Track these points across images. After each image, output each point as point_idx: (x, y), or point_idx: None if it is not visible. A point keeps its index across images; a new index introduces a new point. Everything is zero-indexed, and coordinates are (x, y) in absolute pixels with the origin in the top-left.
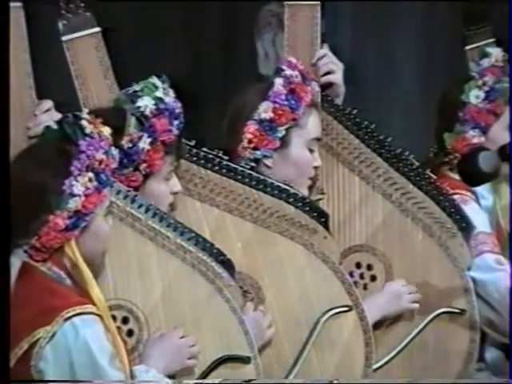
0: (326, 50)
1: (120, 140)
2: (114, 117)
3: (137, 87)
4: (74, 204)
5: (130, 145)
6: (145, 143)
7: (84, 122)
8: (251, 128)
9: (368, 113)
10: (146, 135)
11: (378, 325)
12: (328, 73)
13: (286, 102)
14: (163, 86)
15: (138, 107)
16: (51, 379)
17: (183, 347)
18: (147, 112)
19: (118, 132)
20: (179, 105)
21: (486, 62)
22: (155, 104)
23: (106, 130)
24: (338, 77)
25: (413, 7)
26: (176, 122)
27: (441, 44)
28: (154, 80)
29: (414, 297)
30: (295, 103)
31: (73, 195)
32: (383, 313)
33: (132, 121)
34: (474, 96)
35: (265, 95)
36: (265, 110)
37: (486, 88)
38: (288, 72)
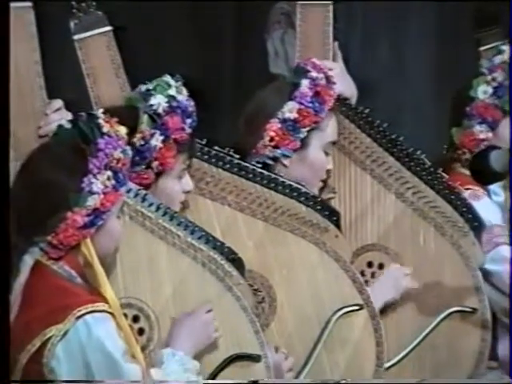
0: (331, 62)
1: (132, 138)
2: (127, 115)
3: (150, 85)
4: (92, 202)
5: (142, 142)
6: (157, 141)
7: (101, 121)
8: (274, 126)
9: (379, 112)
10: (158, 133)
11: (389, 323)
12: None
13: (310, 104)
14: (176, 84)
15: (151, 105)
16: (63, 377)
17: (209, 322)
18: (160, 110)
19: (131, 130)
20: (192, 103)
21: (497, 59)
22: (168, 102)
23: (122, 130)
24: (341, 86)
25: (425, 7)
26: (189, 121)
27: (452, 44)
28: (168, 78)
29: (409, 278)
30: (319, 106)
31: (92, 193)
32: (383, 300)
33: (145, 118)
34: (482, 91)
35: (288, 95)
36: (290, 110)
37: (495, 84)
38: (314, 74)
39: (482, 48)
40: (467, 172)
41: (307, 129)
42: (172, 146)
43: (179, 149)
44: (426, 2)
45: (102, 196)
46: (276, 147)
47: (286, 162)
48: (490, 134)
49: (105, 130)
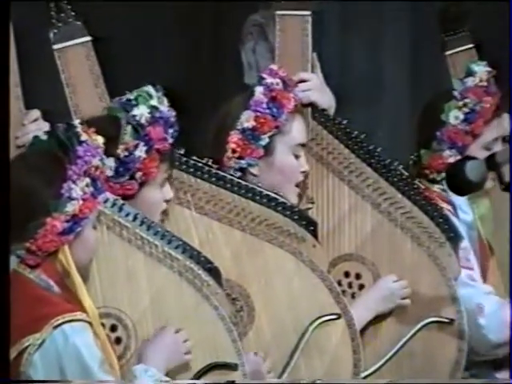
0: (308, 74)
1: (115, 148)
2: (109, 125)
3: (131, 96)
4: (71, 208)
5: (127, 153)
6: (141, 152)
7: (79, 130)
8: (234, 138)
9: (356, 119)
10: (142, 144)
11: (367, 332)
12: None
13: (267, 110)
14: (157, 94)
15: (134, 115)
16: None
17: (179, 342)
18: (143, 120)
19: (113, 140)
20: (173, 113)
21: (470, 81)
22: (150, 112)
23: (100, 139)
24: (318, 98)
25: (399, 14)
26: (171, 131)
27: (427, 54)
28: (149, 89)
29: (406, 292)
30: (277, 111)
31: (71, 199)
32: (377, 310)
33: (128, 129)
34: (454, 117)
35: (247, 104)
36: (247, 119)
37: (466, 110)
38: (269, 80)
39: (448, 53)
40: (434, 188)
41: (268, 135)
42: (155, 156)
43: (161, 158)
44: (400, 12)
45: (81, 202)
46: (240, 158)
47: (254, 171)
48: (459, 158)
49: (83, 138)
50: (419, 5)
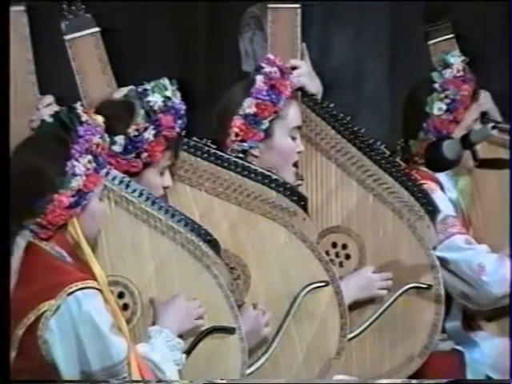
0: (299, 61)
1: (126, 128)
2: (123, 108)
3: (148, 86)
4: (76, 183)
5: (136, 133)
6: (150, 134)
7: (79, 112)
8: (237, 122)
9: (340, 103)
10: (151, 127)
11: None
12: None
13: (267, 97)
14: (172, 87)
15: (148, 101)
16: (56, 348)
17: (192, 308)
18: (156, 107)
19: (125, 122)
20: (184, 107)
21: (448, 73)
22: (164, 102)
23: (99, 118)
24: (308, 83)
25: (379, 5)
26: (179, 122)
27: (404, 39)
28: (165, 81)
29: (384, 284)
30: (276, 97)
31: (75, 175)
32: (354, 297)
33: (141, 112)
34: (437, 108)
35: (247, 92)
36: (249, 106)
37: (448, 100)
38: (267, 69)
39: (430, 42)
40: (422, 167)
41: (268, 119)
42: (162, 141)
43: (167, 145)
44: (379, 3)
45: (84, 177)
46: (243, 141)
47: (255, 152)
48: None
49: (83, 119)
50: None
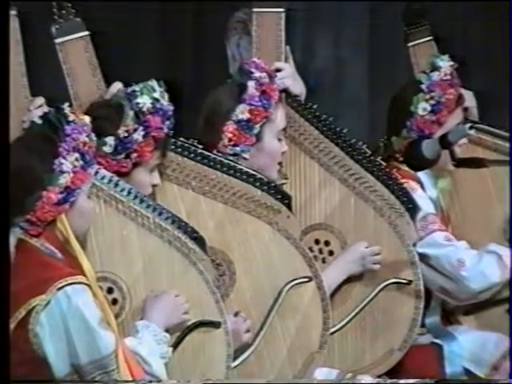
0: (283, 63)
1: (116, 129)
2: (113, 110)
3: (136, 87)
4: (63, 180)
5: (126, 134)
6: (139, 135)
7: (67, 112)
8: (230, 128)
9: (324, 107)
10: (140, 128)
11: (334, 294)
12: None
13: (259, 103)
14: (160, 89)
15: (138, 103)
16: (46, 341)
17: (179, 304)
18: (144, 109)
19: (115, 123)
20: (172, 108)
21: (435, 76)
22: (152, 103)
23: (86, 118)
24: (291, 85)
25: (360, 12)
26: (167, 123)
27: (383, 42)
28: (153, 83)
29: (376, 258)
30: (267, 102)
31: (62, 172)
32: (349, 271)
33: (130, 114)
34: (422, 108)
35: (239, 97)
36: (242, 112)
37: (433, 102)
38: (257, 74)
39: (410, 44)
40: (404, 167)
41: (259, 124)
42: (150, 142)
43: (156, 146)
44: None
45: (71, 174)
46: (235, 145)
47: (246, 155)
48: None
49: (71, 118)
50: (376, 4)
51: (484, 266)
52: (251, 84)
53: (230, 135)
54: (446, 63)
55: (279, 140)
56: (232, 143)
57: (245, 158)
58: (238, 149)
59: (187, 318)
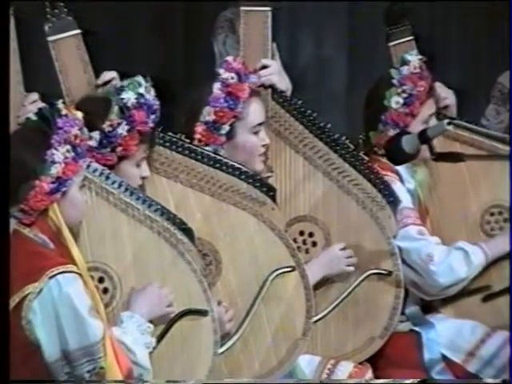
0: (269, 60)
1: (102, 124)
2: (101, 104)
3: (124, 83)
4: (55, 170)
5: (110, 129)
6: (123, 129)
7: (60, 106)
8: (199, 129)
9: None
10: (124, 123)
11: (317, 284)
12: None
13: (225, 104)
14: (146, 84)
15: (122, 99)
16: (38, 327)
17: (163, 296)
18: (129, 104)
19: (102, 117)
20: (157, 102)
21: (405, 70)
22: (137, 98)
23: (78, 113)
24: (278, 81)
25: (339, 10)
26: (152, 117)
27: (362, 41)
28: (140, 79)
29: (351, 260)
30: (233, 102)
31: (54, 162)
32: (324, 273)
33: (115, 109)
34: (395, 102)
35: (207, 99)
36: (208, 114)
37: (405, 95)
38: (224, 75)
39: (391, 43)
40: (383, 160)
41: (227, 124)
42: (135, 135)
43: (141, 139)
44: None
45: (63, 165)
46: (206, 145)
47: (221, 153)
48: None
49: (63, 112)
50: (356, 4)
51: (452, 261)
52: (217, 86)
53: (199, 136)
54: (414, 57)
55: (255, 134)
56: (203, 143)
57: (219, 155)
58: (209, 148)
59: (170, 310)
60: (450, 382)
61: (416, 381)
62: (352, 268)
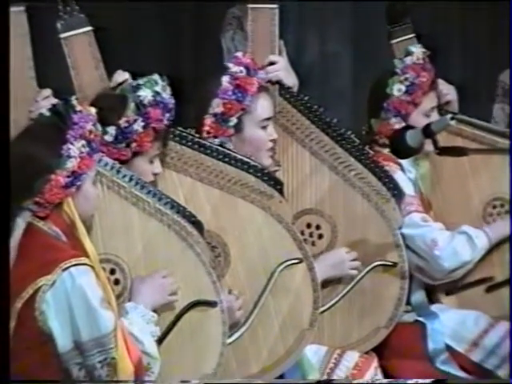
0: (277, 57)
1: (119, 119)
2: (117, 101)
3: (140, 81)
4: (71, 164)
5: (126, 125)
6: (138, 126)
7: (74, 103)
8: (208, 121)
9: (314, 99)
10: (140, 119)
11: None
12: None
13: (233, 97)
14: (162, 83)
15: (139, 96)
16: (51, 318)
17: (166, 285)
18: (145, 101)
19: (118, 114)
20: (173, 101)
21: (408, 60)
22: (153, 96)
23: (92, 109)
24: (285, 77)
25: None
26: (167, 115)
27: (367, 39)
28: (156, 77)
29: (355, 264)
30: (241, 95)
31: (70, 157)
32: (328, 275)
33: (132, 106)
34: (397, 89)
35: (216, 92)
36: (217, 105)
37: (407, 83)
38: (233, 69)
39: (393, 41)
40: (384, 151)
41: (235, 116)
42: (150, 132)
43: (156, 136)
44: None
45: (78, 159)
46: (215, 137)
47: (227, 146)
48: (404, 124)
49: (78, 108)
50: (361, 3)
51: (456, 245)
52: (225, 79)
53: (207, 128)
54: (418, 49)
55: (263, 128)
56: (211, 135)
57: (227, 149)
58: (217, 141)
59: (173, 298)
60: (450, 383)
61: (419, 381)
62: (355, 271)
